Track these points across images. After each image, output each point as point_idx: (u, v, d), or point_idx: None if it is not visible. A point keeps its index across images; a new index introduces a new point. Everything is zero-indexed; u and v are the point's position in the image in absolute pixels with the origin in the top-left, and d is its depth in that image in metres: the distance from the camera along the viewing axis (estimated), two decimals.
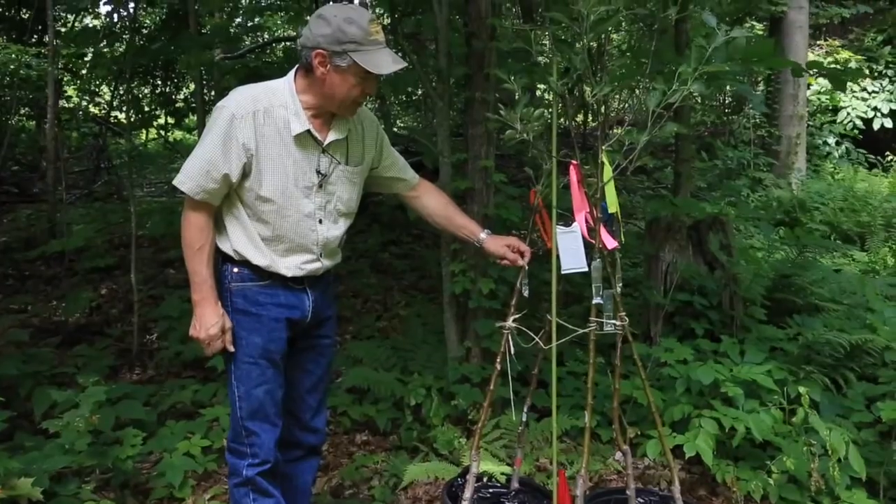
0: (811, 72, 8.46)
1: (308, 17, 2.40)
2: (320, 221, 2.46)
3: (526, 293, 2.68)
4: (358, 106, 2.44)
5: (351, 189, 2.54)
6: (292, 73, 2.41)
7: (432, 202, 2.80)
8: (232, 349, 2.45)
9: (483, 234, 2.73)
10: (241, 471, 2.49)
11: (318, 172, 2.42)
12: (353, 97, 2.35)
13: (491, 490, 3.07)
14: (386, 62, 2.30)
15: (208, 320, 2.38)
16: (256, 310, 2.45)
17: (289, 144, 2.36)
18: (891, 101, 11.30)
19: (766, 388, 3.59)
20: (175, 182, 2.35)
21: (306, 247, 2.46)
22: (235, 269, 2.44)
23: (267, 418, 2.49)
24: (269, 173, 2.35)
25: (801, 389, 3.32)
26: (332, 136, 2.43)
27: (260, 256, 2.41)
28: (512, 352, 2.63)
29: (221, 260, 2.46)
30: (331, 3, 2.44)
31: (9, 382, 4.08)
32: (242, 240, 2.41)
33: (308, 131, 2.37)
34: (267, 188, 2.35)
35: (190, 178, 2.32)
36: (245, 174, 2.34)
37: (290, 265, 2.45)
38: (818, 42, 12.59)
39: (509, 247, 2.69)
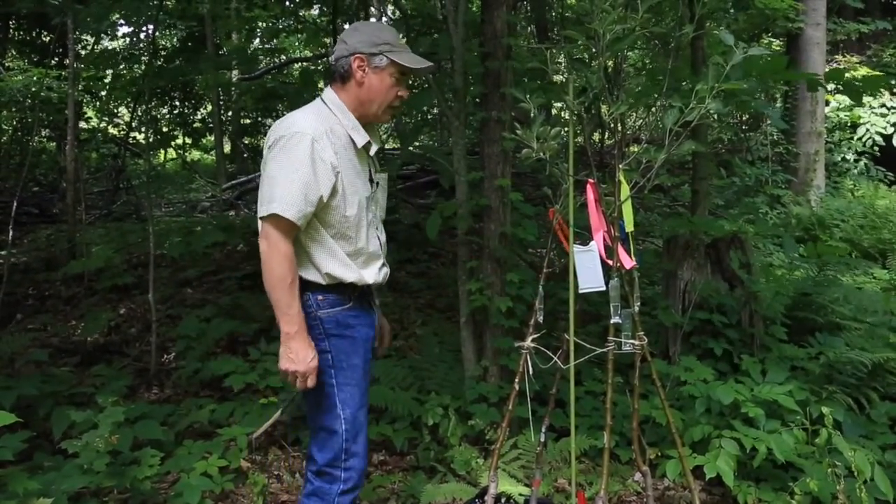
0: (828, 87, 8.43)
1: (325, 39, 2.47)
2: (377, 228, 2.61)
3: (540, 318, 2.67)
4: (394, 111, 2.58)
5: (385, 195, 2.70)
6: (327, 94, 2.51)
7: None
8: (313, 384, 2.42)
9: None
10: (332, 498, 2.48)
11: (372, 181, 2.58)
12: (390, 99, 2.50)
13: None
14: (417, 59, 2.52)
15: (307, 353, 2.36)
16: (350, 332, 2.50)
17: (353, 158, 2.48)
18: None
19: (788, 409, 3.55)
20: (277, 211, 2.29)
21: (377, 254, 2.58)
22: (320, 297, 2.45)
23: (363, 439, 2.53)
24: (350, 188, 2.44)
25: (824, 410, 3.28)
26: (376, 145, 2.59)
27: (350, 273, 2.46)
28: (530, 371, 2.61)
29: (301, 290, 2.42)
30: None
31: (28, 402, 4.10)
32: (331, 262, 2.44)
33: (368, 142, 2.52)
34: (350, 203, 2.44)
35: (291, 204, 2.30)
36: (332, 194, 2.39)
37: (372, 274, 2.54)
38: (835, 58, 12.55)
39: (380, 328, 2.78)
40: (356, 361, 2.50)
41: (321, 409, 2.50)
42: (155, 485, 3.57)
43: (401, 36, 2.52)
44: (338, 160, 2.39)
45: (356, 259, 2.48)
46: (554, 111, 8.86)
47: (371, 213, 2.55)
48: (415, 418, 4.12)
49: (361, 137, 2.48)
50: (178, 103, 11.30)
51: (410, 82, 7.21)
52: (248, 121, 12.62)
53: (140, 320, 6.14)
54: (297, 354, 2.35)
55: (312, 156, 2.33)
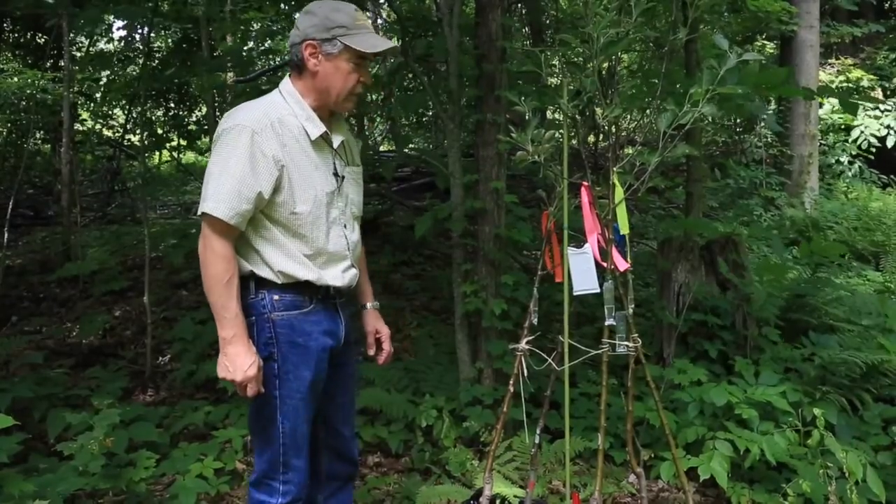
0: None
1: None
2: (345, 226, 2.41)
3: (535, 320, 2.68)
4: (356, 98, 2.39)
5: (358, 190, 2.51)
6: (284, 84, 2.35)
7: None
8: (262, 391, 2.26)
9: (369, 305, 2.70)
10: None
11: (336, 175, 2.38)
12: (349, 87, 2.32)
13: None
14: (376, 42, 2.30)
15: (244, 360, 2.18)
16: (304, 340, 2.32)
17: (308, 151, 2.30)
18: None
19: (781, 410, 3.56)
20: (206, 209, 2.16)
21: (342, 254, 2.39)
22: (276, 297, 2.29)
23: (306, 452, 2.39)
24: (300, 184, 2.26)
25: (817, 411, 3.29)
26: (339, 137, 2.41)
27: (307, 272, 2.29)
28: (525, 373, 2.62)
29: (255, 288, 2.29)
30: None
31: (23, 404, 4.10)
32: (284, 260, 2.28)
33: (325, 133, 2.33)
34: (301, 199, 2.26)
35: (222, 201, 2.15)
36: (276, 190, 2.22)
37: (335, 275, 2.37)
38: (829, 61, 12.58)
39: (373, 332, 2.69)
40: (305, 374, 2.31)
41: (261, 417, 2.34)
42: (150, 487, 3.57)
43: (363, 13, 2.38)
44: (284, 153, 2.22)
45: (314, 260, 2.31)
46: (549, 114, 8.88)
47: (337, 210, 2.37)
48: (409, 420, 4.13)
49: (316, 129, 2.30)
50: (173, 105, 11.27)
51: (405, 83, 7.19)
52: None
53: (135, 322, 6.12)
54: (234, 362, 2.18)
55: (251, 150, 2.17)
